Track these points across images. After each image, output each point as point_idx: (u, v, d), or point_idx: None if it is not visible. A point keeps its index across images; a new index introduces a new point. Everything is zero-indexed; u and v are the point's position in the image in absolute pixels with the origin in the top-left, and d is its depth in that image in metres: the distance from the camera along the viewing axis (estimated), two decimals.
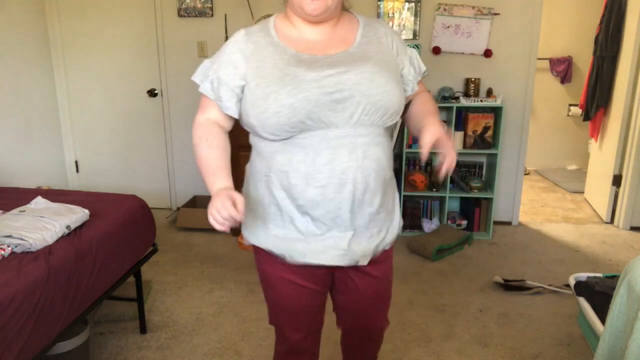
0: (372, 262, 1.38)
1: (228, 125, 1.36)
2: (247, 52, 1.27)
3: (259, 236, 1.37)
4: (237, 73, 1.27)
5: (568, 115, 5.58)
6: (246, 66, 1.26)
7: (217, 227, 1.17)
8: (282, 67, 1.22)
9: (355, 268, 1.39)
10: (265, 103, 1.19)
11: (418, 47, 3.62)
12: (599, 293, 2.17)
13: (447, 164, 1.30)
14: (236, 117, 1.31)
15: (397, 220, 1.42)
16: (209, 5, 3.72)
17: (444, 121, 3.65)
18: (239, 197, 1.17)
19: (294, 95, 1.17)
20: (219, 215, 1.15)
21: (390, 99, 1.23)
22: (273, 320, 1.57)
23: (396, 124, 3.56)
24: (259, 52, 1.26)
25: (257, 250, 1.41)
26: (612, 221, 3.93)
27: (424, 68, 1.42)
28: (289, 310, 1.48)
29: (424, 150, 1.25)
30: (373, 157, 1.25)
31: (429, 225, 3.68)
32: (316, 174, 1.22)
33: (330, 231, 1.29)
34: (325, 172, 1.22)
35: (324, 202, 1.24)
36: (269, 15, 3.77)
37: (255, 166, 1.35)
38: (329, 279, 1.45)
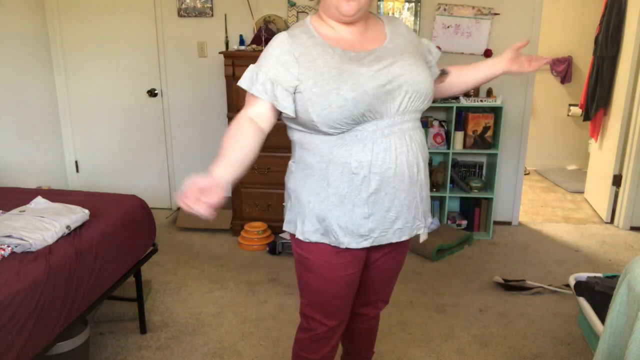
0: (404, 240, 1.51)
1: (269, 122, 1.38)
2: (296, 54, 1.34)
3: (309, 227, 1.43)
4: (290, 73, 1.33)
5: (568, 115, 5.58)
6: (298, 66, 1.33)
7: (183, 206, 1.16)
8: (336, 65, 1.32)
9: (390, 246, 1.52)
10: (327, 99, 1.28)
11: None
12: (599, 293, 2.17)
13: (540, 58, 1.60)
14: (293, 114, 1.34)
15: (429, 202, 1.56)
16: (209, 5, 3.72)
17: (444, 121, 3.65)
18: (210, 187, 1.17)
19: (354, 90, 1.28)
20: (186, 199, 1.15)
21: (428, 85, 1.39)
22: (308, 310, 1.57)
23: None
24: (307, 53, 1.34)
25: (301, 241, 1.46)
26: (612, 221, 3.93)
27: (439, 52, 1.60)
28: (334, 296, 1.53)
29: (507, 54, 1.65)
30: (417, 139, 1.41)
31: (429, 225, 3.67)
32: (375, 161, 1.34)
33: (389, 212, 1.40)
34: (382, 158, 1.35)
35: (383, 186, 1.36)
36: (270, 16, 3.79)
37: (306, 161, 1.41)
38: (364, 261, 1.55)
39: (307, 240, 1.43)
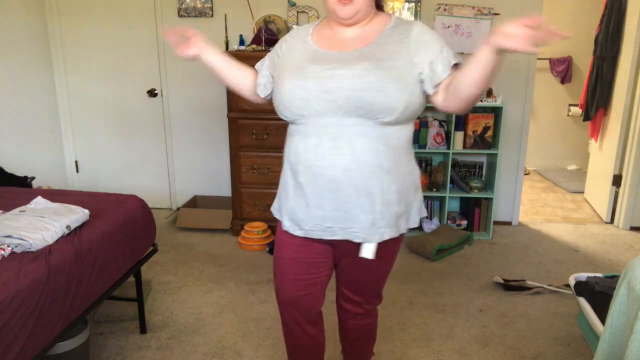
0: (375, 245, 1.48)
1: (254, 89, 1.61)
2: (285, 46, 1.52)
3: (275, 204, 1.60)
4: (272, 61, 1.55)
5: (568, 115, 5.58)
6: (278, 57, 1.52)
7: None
8: (299, 61, 1.42)
9: (353, 252, 1.51)
10: (279, 88, 1.43)
11: None
12: (599, 293, 2.17)
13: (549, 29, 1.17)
14: (261, 94, 1.58)
15: (392, 213, 1.45)
16: (209, 5, 3.72)
17: (444, 121, 3.65)
18: (193, 33, 1.51)
19: (293, 82, 1.38)
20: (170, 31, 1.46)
21: (378, 95, 1.31)
22: (276, 296, 1.70)
23: None
24: (292, 47, 1.49)
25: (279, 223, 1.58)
26: (612, 221, 3.93)
27: (448, 73, 1.37)
28: (283, 275, 1.63)
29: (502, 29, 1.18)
30: (357, 146, 1.36)
31: (429, 225, 3.68)
32: (305, 155, 1.40)
33: (317, 209, 1.43)
34: (313, 155, 1.38)
35: (310, 181, 1.41)
36: (270, 16, 3.79)
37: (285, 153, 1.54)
38: (329, 251, 1.57)
39: (273, 215, 1.60)
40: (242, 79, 1.60)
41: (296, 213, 1.47)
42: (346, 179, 1.37)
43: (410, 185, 1.48)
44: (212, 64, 1.54)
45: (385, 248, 1.50)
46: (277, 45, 1.57)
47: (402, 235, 1.52)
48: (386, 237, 1.44)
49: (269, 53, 1.59)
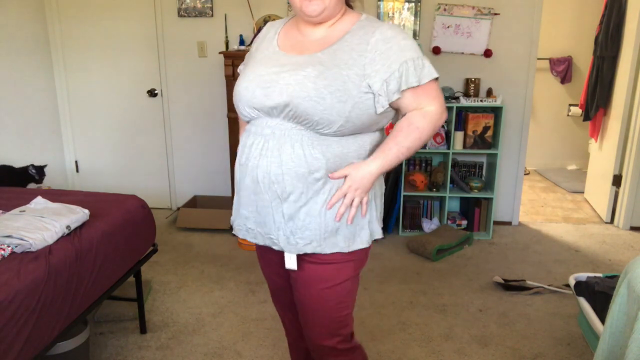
0: (304, 260, 1.36)
1: None
2: (256, 45, 1.46)
3: None
4: (246, 59, 1.48)
5: (568, 115, 5.58)
6: (250, 56, 1.45)
7: None
8: (255, 60, 1.38)
9: (295, 272, 1.40)
10: (235, 88, 1.38)
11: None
12: (599, 293, 2.17)
13: (337, 212, 1.31)
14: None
15: (321, 226, 1.31)
16: (209, 5, 3.72)
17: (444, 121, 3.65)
18: None
19: (240, 84, 1.35)
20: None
21: (313, 105, 1.22)
22: None
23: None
24: (260, 46, 1.44)
25: None
26: (612, 221, 3.93)
27: (393, 97, 1.26)
28: (274, 291, 1.63)
29: (330, 175, 1.29)
30: (286, 151, 1.28)
31: (429, 225, 3.68)
32: (240, 153, 1.38)
33: (243, 208, 1.40)
34: (247, 154, 1.35)
35: (241, 180, 1.38)
36: (270, 16, 3.79)
37: None
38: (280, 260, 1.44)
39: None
40: None
41: (233, 210, 1.47)
42: (266, 183, 1.30)
43: None
44: None
45: (319, 264, 1.35)
46: (252, 44, 1.53)
47: (349, 253, 1.35)
48: (307, 250, 1.32)
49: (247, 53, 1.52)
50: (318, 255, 1.35)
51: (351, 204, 1.30)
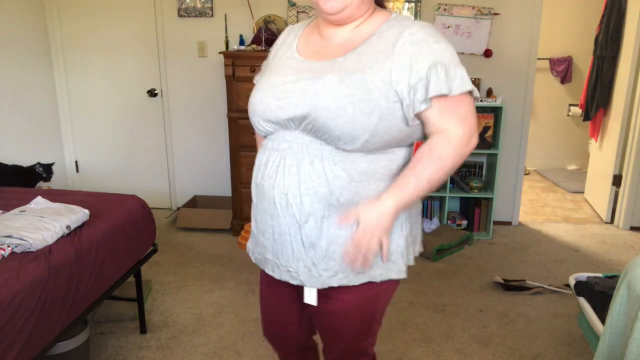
0: (322, 293, 1.23)
1: None
2: (274, 52, 1.32)
3: None
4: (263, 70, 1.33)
5: (568, 115, 5.58)
6: (268, 64, 1.32)
7: None
8: (274, 68, 1.25)
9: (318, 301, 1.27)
10: (250, 98, 1.25)
11: None
12: (599, 293, 2.17)
13: (346, 257, 1.14)
14: None
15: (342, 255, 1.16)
16: (209, 5, 3.72)
17: None
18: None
19: (255, 95, 1.22)
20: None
21: (334, 118, 1.08)
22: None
23: None
24: (278, 53, 1.30)
25: None
26: (612, 221, 3.93)
27: (421, 106, 1.08)
28: (262, 312, 1.58)
29: (339, 221, 1.13)
30: (305, 169, 1.13)
31: (429, 225, 3.68)
32: (256, 171, 1.23)
33: (262, 234, 1.25)
34: (262, 172, 1.20)
35: (259, 201, 1.23)
36: (270, 16, 3.78)
37: None
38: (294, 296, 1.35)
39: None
40: None
41: (250, 236, 1.33)
42: (283, 205, 1.15)
43: None
44: None
45: (346, 296, 1.22)
46: (270, 51, 1.36)
47: (380, 283, 1.21)
48: (333, 283, 1.18)
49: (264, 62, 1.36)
50: (345, 287, 1.20)
51: (369, 250, 1.10)
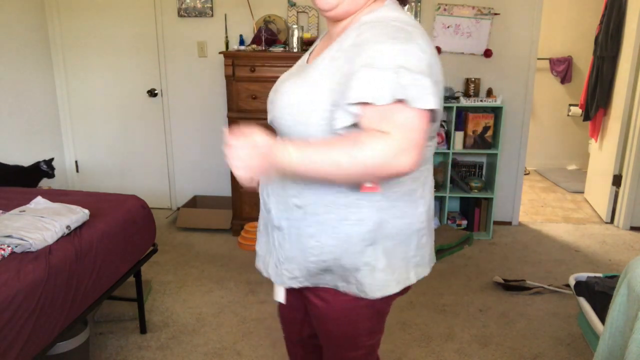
0: (314, 292, 1.23)
1: None
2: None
3: None
4: None
5: (568, 115, 5.58)
6: None
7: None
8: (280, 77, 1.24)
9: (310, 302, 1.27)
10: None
11: None
12: (599, 293, 2.17)
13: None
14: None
15: (308, 260, 1.14)
16: (209, 5, 3.72)
17: (444, 121, 3.65)
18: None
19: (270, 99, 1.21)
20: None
21: (282, 123, 1.09)
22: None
23: None
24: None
25: None
26: (612, 221, 3.93)
27: (350, 100, 0.95)
28: (286, 334, 1.51)
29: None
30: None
31: (288, 284, 3.64)
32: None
33: (259, 231, 1.31)
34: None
35: (262, 203, 1.27)
36: (270, 16, 3.78)
37: None
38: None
39: None
40: None
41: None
42: (267, 202, 1.21)
43: (351, 239, 1.09)
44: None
45: (333, 300, 1.19)
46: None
47: (359, 298, 1.15)
48: (293, 284, 1.19)
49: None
50: (334, 290, 1.18)
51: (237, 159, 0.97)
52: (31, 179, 3.19)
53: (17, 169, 3.19)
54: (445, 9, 3.57)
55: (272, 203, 1.18)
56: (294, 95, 1.07)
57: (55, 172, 3.40)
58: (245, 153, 0.95)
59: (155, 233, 2.36)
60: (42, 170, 3.22)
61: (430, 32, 3.62)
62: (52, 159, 3.30)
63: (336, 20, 1.12)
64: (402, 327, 2.48)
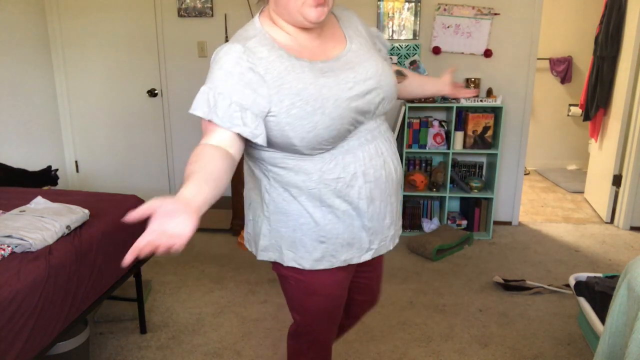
0: None
1: (238, 149, 1.15)
2: (261, 71, 1.14)
3: (304, 253, 1.32)
4: (259, 95, 1.13)
5: (568, 115, 5.58)
6: (267, 86, 1.13)
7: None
8: (311, 80, 1.16)
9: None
10: (311, 121, 1.14)
11: (418, 47, 3.62)
12: (599, 293, 2.17)
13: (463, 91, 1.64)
14: (264, 144, 1.15)
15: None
16: (209, 5, 3.72)
17: (444, 121, 3.65)
18: (179, 212, 0.98)
19: (339, 106, 1.17)
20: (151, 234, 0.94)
21: (395, 84, 1.33)
22: (309, 329, 1.49)
23: (396, 123, 3.56)
24: (273, 68, 1.15)
25: (297, 269, 1.34)
26: (612, 221, 3.93)
27: (388, 44, 1.51)
28: (334, 311, 1.47)
29: (448, 77, 1.63)
30: (391, 139, 1.37)
31: (429, 225, 3.68)
32: (367, 169, 1.27)
33: (385, 219, 1.36)
34: (373, 165, 1.28)
35: (378, 194, 1.30)
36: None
37: (286, 181, 1.25)
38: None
39: (309, 269, 1.32)
40: (221, 165, 1.09)
41: (363, 238, 1.41)
42: (399, 177, 1.44)
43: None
44: (206, 200, 1.12)
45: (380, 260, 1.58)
46: (239, 76, 1.13)
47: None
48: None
49: (223, 92, 1.12)
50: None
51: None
52: (37, 184, 3.21)
53: (20, 173, 3.21)
54: (445, 9, 3.57)
55: (393, 163, 1.35)
56: (388, 71, 1.30)
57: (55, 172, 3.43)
58: (174, 224, 0.96)
59: None
60: (50, 176, 3.26)
61: (430, 32, 3.62)
62: (57, 170, 3.36)
63: (311, 28, 1.23)
64: (402, 327, 2.48)
